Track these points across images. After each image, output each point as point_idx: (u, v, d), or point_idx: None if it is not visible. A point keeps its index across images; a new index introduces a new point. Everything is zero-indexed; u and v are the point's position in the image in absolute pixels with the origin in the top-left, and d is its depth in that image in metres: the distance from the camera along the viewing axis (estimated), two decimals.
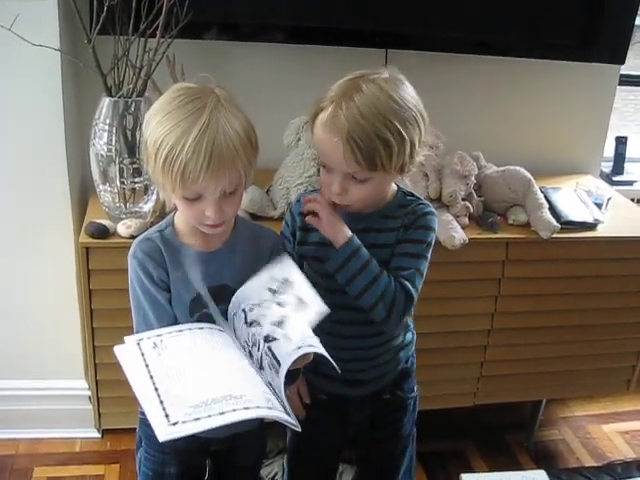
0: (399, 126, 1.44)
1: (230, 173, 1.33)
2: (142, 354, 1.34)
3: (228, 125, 1.33)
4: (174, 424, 1.19)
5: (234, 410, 1.22)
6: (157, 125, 1.34)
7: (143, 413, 1.52)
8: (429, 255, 1.58)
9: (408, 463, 1.87)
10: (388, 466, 1.84)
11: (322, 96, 1.55)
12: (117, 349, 1.35)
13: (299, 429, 1.29)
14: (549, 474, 1.64)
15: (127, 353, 1.34)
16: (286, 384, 1.30)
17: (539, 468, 1.69)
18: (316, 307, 1.37)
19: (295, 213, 1.65)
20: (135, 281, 1.48)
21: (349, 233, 1.53)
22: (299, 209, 1.62)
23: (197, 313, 1.48)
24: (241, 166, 1.35)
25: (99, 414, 2.35)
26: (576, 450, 2.80)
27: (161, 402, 1.23)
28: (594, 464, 2.60)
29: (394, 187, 1.62)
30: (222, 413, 1.21)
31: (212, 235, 1.47)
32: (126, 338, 1.37)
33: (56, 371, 2.47)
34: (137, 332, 1.46)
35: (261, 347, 1.37)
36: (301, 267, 1.61)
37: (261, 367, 1.37)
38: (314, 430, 1.71)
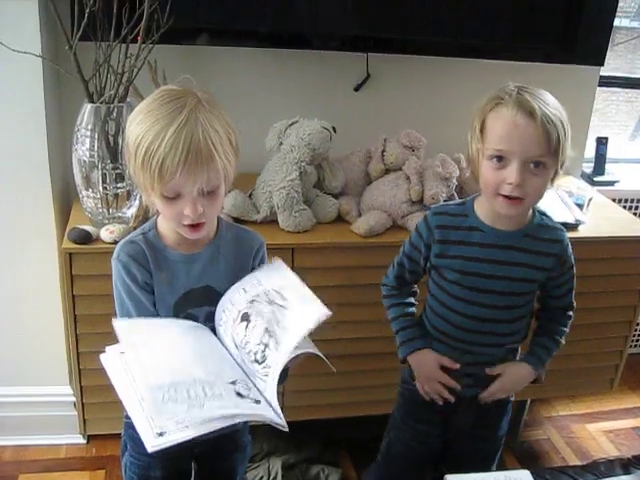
0: (567, 124, 1.55)
1: (208, 170, 1.34)
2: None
3: (207, 123, 1.34)
4: (161, 434, 1.19)
5: (222, 416, 1.23)
6: (138, 124, 1.36)
7: (128, 417, 1.53)
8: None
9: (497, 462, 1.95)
10: (480, 465, 1.84)
11: (493, 93, 1.58)
12: (103, 357, 1.36)
13: (287, 429, 1.31)
14: (533, 474, 1.64)
15: (111, 362, 1.35)
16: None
17: (524, 468, 1.68)
18: (316, 310, 1.38)
19: (432, 226, 1.70)
20: (119, 284, 1.48)
21: (529, 373, 1.78)
22: (437, 222, 1.70)
23: (182, 314, 1.49)
24: (220, 165, 1.36)
25: (84, 420, 2.34)
26: (561, 450, 2.82)
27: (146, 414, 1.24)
28: (579, 463, 2.61)
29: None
30: (209, 420, 1.22)
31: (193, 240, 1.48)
32: (108, 348, 1.37)
33: (40, 377, 2.46)
34: None
35: (253, 348, 1.38)
36: (429, 274, 1.78)
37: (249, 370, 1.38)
38: (421, 429, 1.88)
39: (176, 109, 1.33)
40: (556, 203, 2.46)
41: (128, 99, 2.07)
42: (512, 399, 1.91)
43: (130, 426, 1.64)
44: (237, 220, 2.17)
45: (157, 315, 1.48)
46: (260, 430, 2.49)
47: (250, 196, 2.25)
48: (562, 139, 1.52)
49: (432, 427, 1.86)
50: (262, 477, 2.41)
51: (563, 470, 1.75)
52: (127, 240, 1.50)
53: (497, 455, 1.94)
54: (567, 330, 1.82)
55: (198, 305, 1.51)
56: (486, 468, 1.87)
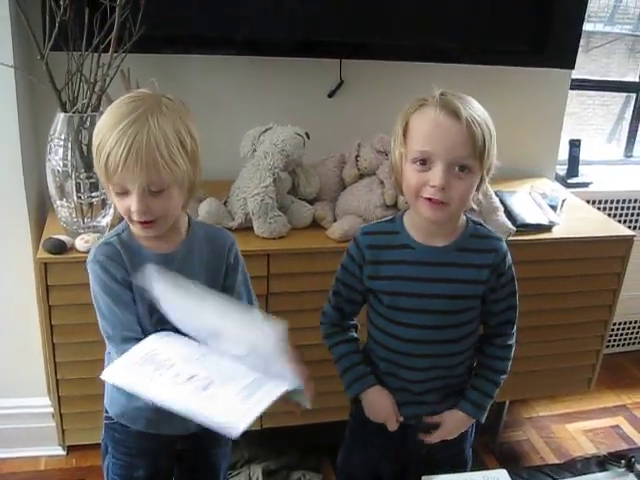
0: (493, 129, 1.53)
1: (149, 171, 1.36)
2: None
3: (157, 126, 1.36)
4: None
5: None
6: (99, 121, 1.42)
7: (108, 417, 1.54)
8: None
9: None
10: None
11: (417, 97, 1.54)
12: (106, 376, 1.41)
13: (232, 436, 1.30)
14: (510, 473, 1.66)
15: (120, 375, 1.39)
16: None
17: (503, 468, 1.70)
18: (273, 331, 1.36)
19: (363, 247, 1.62)
20: (98, 285, 1.48)
21: (467, 419, 1.72)
22: (367, 242, 1.62)
23: (156, 314, 1.49)
24: (166, 168, 1.38)
25: (63, 431, 2.33)
26: (540, 450, 2.83)
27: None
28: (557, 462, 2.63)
29: (463, 217, 1.64)
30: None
31: (166, 237, 1.50)
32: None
33: (18, 389, 2.44)
34: (108, 336, 1.50)
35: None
36: (367, 301, 1.70)
37: None
38: (371, 453, 1.80)
39: (133, 109, 1.37)
40: (530, 205, 2.49)
41: (101, 108, 2.06)
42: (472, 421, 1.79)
43: (110, 427, 1.65)
44: None
45: (136, 311, 1.50)
46: (240, 437, 2.51)
47: (225, 203, 2.25)
48: (487, 142, 1.49)
49: (382, 451, 1.79)
50: None
51: (540, 469, 1.76)
52: (102, 242, 1.51)
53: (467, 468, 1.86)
54: (509, 363, 1.72)
55: None
56: None
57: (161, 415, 1.52)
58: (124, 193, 1.40)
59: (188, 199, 1.52)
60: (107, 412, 1.66)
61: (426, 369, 1.66)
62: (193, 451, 1.73)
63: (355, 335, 1.77)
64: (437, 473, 1.70)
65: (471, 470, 1.68)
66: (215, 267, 1.58)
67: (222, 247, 1.60)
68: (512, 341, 1.73)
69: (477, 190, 1.56)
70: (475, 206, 2.23)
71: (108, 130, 1.36)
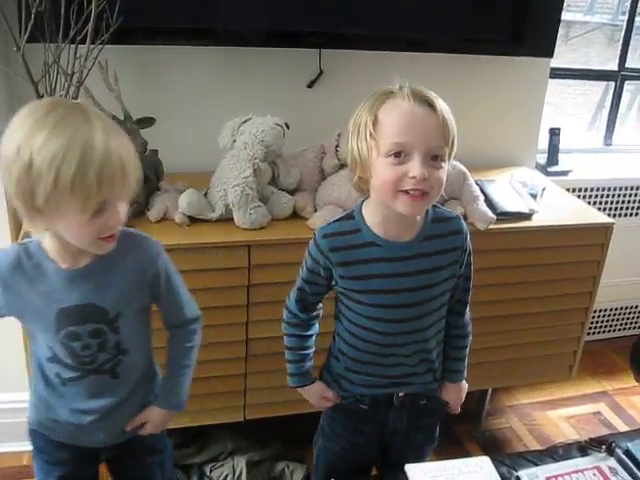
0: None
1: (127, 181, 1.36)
2: None
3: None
4: None
5: None
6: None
7: (31, 423, 1.58)
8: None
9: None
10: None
11: (380, 88, 1.51)
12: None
13: None
14: (493, 460, 1.67)
15: None
16: None
17: (485, 455, 1.71)
18: None
19: (326, 251, 1.58)
20: None
21: (463, 386, 1.87)
22: (329, 245, 1.58)
23: (62, 330, 1.45)
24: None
25: None
26: (523, 437, 2.86)
27: None
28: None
29: None
30: None
31: (82, 254, 1.43)
32: None
33: (0, 384, 2.43)
34: None
35: None
36: (337, 298, 1.70)
37: None
38: (355, 440, 1.81)
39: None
40: (510, 193, 2.50)
41: (79, 100, 2.05)
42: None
43: (32, 433, 1.64)
44: (192, 219, 2.17)
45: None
46: (224, 429, 2.51)
47: (205, 194, 2.24)
48: (455, 131, 1.48)
49: (367, 437, 1.80)
50: (227, 475, 2.41)
51: (523, 455, 1.77)
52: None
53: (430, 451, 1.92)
54: (468, 327, 1.81)
55: (81, 323, 1.45)
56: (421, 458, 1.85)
57: (77, 428, 1.56)
58: (99, 211, 1.32)
59: None
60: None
61: (405, 356, 1.67)
62: (123, 460, 1.71)
63: (314, 331, 1.78)
64: (412, 452, 1.80)
65: (454, 457, 1.68)
66: (141, 278, 1.52)
67: (149, 256, 1.54)
68: (466, 320, 1.80)
69: None
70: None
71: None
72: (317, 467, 1.93)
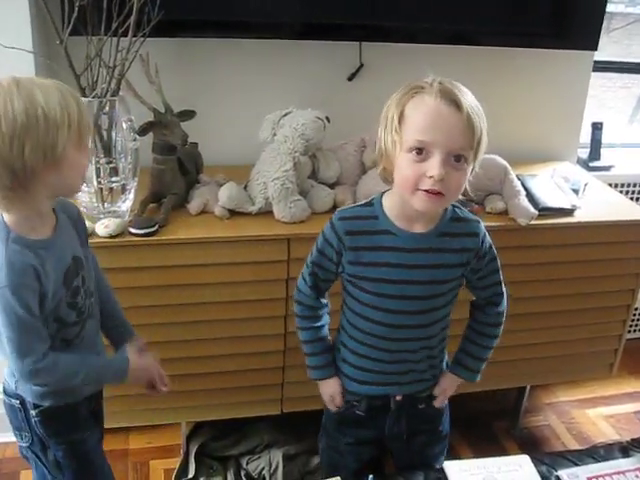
0: (485, 119, 1.47)
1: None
2: None
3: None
4: None
5: None
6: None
7: (41, 412, 1.60)
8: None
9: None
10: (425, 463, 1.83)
11: (411, 82, 1.49)
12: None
13: None
14: (533, 459, 1.65)
15: None
16: None
17: (524, 454, 1.69)
18: None
19: (341, 233, 1.58)
20: (14, 312, 1.40)
21: (459, 380, 1.78)
22: (345, 228, 1.58)
23: (69, 290, 1.51)
24: None
25: None
26: (561, 435, 2.83)
27: None
28: (579, 448, 2.62)
29: None
30: None
31: (45, 220, 1.48)
32: None
33: None
34: (21, 353, 1.43)
35: None
36: (344, 287, 1.69)
37: None
38: (354, 443, 1.81)
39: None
40: (552, 189, 2.47)
41: (120, 93, 2.06)
42: (446, 403, 1.85)
43: (44, 420, 1.61)
44: (232, 212, 2.18)
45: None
46: (260, 422, 2.52)
47: (245, 187, 2.25)
48: (483, 133, 1.45)
49: (365, 442, 1.81)
50: (263, 468, 2.42)
51: (563, 455, 1.75)
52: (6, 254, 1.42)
53: (443, 451, 1.89)
54: (500, 328, 1.76)
55: (75, 275, 1.53)
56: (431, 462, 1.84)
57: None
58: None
59: None
60: (36, 407, 1.60)
61: (407, 351, 1.67)
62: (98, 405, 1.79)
63: (325, 321, 1.78)
64: (417, 454, 1.81)
65: (490, 455, 1.67)
66: (79, 239, 1.61)
67: (76, 217, 1.63)
68: (502, 308, 1.75)
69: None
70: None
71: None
72: (322, 464, 1.95)
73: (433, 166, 1.41)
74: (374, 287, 1.60)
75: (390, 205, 1.58)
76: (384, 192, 1.62)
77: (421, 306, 1.61)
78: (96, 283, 1.67)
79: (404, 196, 1.50)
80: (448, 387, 1.78)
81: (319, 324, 1.75)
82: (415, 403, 1.75)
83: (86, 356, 1.60)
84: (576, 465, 1.69)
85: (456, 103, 1.41)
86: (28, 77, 1.37)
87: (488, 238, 1.65)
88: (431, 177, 1.41)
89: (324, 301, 1.76)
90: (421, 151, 1.42)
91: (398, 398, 1.72)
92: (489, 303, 1.73)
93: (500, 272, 1.70)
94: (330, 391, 1.77)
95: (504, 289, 1.73)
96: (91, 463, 1.71)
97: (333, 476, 1.73)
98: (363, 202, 1.65)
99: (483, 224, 1.65)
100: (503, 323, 1.76)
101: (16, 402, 1.60)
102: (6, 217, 1.43)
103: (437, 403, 1.78)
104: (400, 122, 1.45)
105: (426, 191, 1.43)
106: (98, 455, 1.75)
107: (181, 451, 2.51)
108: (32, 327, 1.42)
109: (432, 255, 1.57)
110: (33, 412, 1.59)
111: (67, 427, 1.64)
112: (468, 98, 1.44)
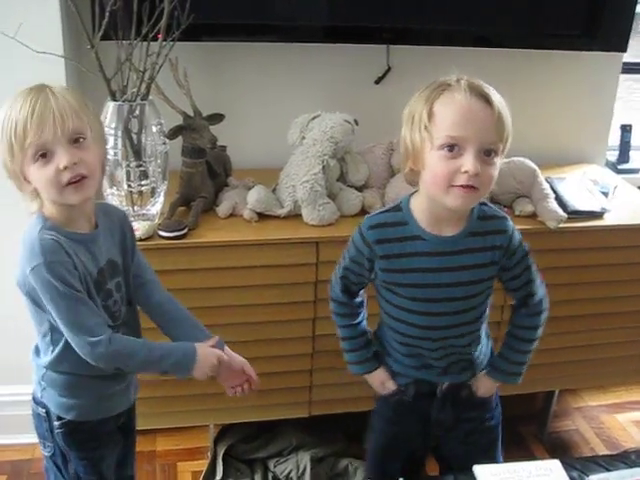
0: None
1: (66, 120, 1.38)
2: None
3: (58, 92, 1.40)
4: None
5: None
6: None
7: (61, 427, 1.59)
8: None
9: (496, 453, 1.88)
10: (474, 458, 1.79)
11: (436, 80, 1.51)
12: None
13: None
14: (563, 463, 1.64)
15: None
16: None
17: (553, 458, 1.68)
18: None
19: (372, 242, 1.58)
20: (54, 287, 1.41)
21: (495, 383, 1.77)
22: (375, 237, 1.58)
23: (101, 293, 1.52)
24: (80, 114, 1.41)
25: None
26: (590, 440, 2.80)
27: None
28: (609, 453, 2.60)
29: None
30: None
31: (84, 217, 1.50)
32: None
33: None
34: (75, 328, 1.43)
35: None
36: (377, 291, 1.70)
37: None
38: (399, 431, 1.82)
39: (28, 91, 1.40)
40: (581, 191, 2.45)
41: (150, 97, 2.08)
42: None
43: (67, 433, 1.60)
44: (261, 215, 2.19)
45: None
46: (288, 425, 2.52)
47: (274, 190, 2.25)
48: (510, 127, 1.47)
49: (410, 429, 1.81)
50: (291, 471, 2.42)
51: (593, 460, 1.74)
52: (39, 244, 1.42)
53: (496, 447, 1.87)
54: (538, 330, 1.74)
55: (110, 279, 1.54)
56: (480, 457, 1.78)
57: (110, 396, 1.62)
58: (43, 155, 1.38)
59: (102, 179, 1.55)
60: (60, 419, 1.59)
61: (439, 349, 1.68)
62: (129, 419, 1.77)
63: (363, 317, 1.78)
64: (463, 442, 1.80)
65: (520, 461, 1.66)
66: (119, 240, 1.60)
67: (116, 220, 1.61)
68: (539, 308, 1.72)
69: None
70: None
71: (11, 110, 1.37)
72: (369, 460, 1.95)
73: (468, 161, 1.41)
74: (408, 292, 1.60)
75: (418, 208, 1.57)
76: (411, 194, 1.62)
77: (457, 307, 1.62)
78: (149, 291, 1.69)
79: (436, 195, 1.49)
80: (482, 388, 1.77)
81: (357, 321, 1.76)
82: (460, 390, 1.75)
83: (147, 340, 1.59)
84: (607, 470, 1.67)
85: (486, 98, 1.42)
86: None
87: (518, 235, 1.64)
88: (465, 172, 1.42)
89: (359, 299, 1.76)
90: (453, 147, 1.43)
91: (444, 385, 1.73)
92: (523, 305, 1.72)
93: (533, 270, 1.69)
94: (379, 379, 1.78)
95: (539, 289, 1.71)
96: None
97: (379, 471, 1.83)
98: (391, 206, 1.64)
99: (510, 221, 1.65)
100: (541, 326, 1.74)
101: (42, 410, 1.60)
102: (44, 209, 1.46)
103: (478, 394, 1.78)
104: (429, 120, 1.45)
105: (461, 187, 1.43)
106: (110, 470, 1.72)
107: (208, 453, 2.51)
108: (77, 300, 1.42)
109: (463, 257, 1.58)
110: (57, 423, 1.59)
111: (90, 442, 1.64)
112: (495, 93, 1.45)
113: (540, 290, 1.72)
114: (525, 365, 1.76)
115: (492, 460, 1.82)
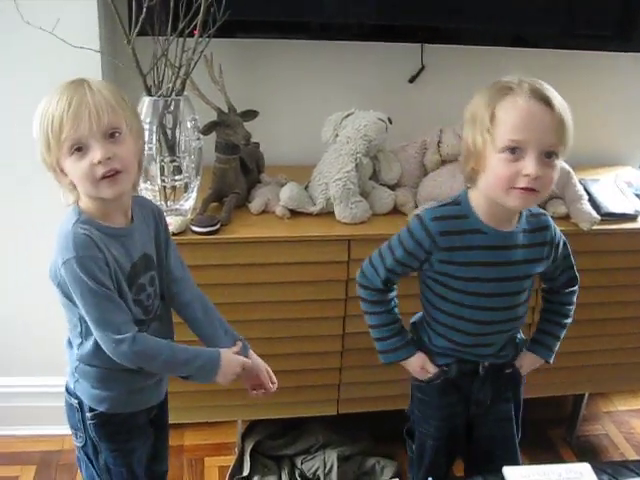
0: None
1: (102, 115, 1.39)
2: None
3: (95, 87, 1.42)
4: None
5: None
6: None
7: (93, 418, 1.60)
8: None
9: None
10: (509, 433, 1.88)
11: (497, 84, 1.53)
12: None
13: None
14: (594, 467, 1.63)
15: None
16: None
17: (583, 462, 1.67)
18: None
19: (435, 234, 1.60)
20: (84, 282, 1.42)
21: (538, 361, 1.83)
22: (439, 228, 1.60)
23: (134, 287, 1.53)
24: (117, 108, 1.42)
25: None
26: (620, 445, 2.78)
27: None
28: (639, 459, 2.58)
29: None
30: None
31: (120, 211, 1.51)
32: None
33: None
34: (101, 325, 1.45)
35: None
36: (424, 284, 1.73)
37: None
38: (445, 414, 1.82)
39: (65, 85, 1.42)
40: (615, 193, 2.43)
41: (185, 92, 2.09)
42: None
43: (99, 424, 1.61)
44: (293, 212, 2.19)
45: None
46: (315, 422, 2.53)
47: (306, 188, 2.26)
48: (572, 129, 1.49)
49: (455, 408, 1.81)
50: (318, 468, 2.42)
51: (624, 464, 1.72)
52: (73, 236, 1.43)
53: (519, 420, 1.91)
54: (573, 308, 1.83)
55: (143, 273, 1.55)
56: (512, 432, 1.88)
57: (141, 389, 1.62)
58: (79, 149, 1.39)
59: (139, 175, 1.56)
60: (92, 410, 1.60)
61: (490, 344, 1.73)
62: (161, 413, 1.78)
63: (395, 303, 1.79)
64: (496, 425, 1.85)
65: (547, 462, 1.65)
66: (155, 234, 1.62)
67: (150, 212, 1.62)
68: (575, 287, 1.82)
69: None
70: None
71: (49, 104, 1.39)
72: (419, 457, 1.92)
73: (529, 165, 1.45)
74: (465, 286, 1.63)
75: (477, 203, 1.61)
76: (467, 190, 1.64)
77: (506, 302, 1.66)
78: (180, 289, 1.70)
79: (496, 195, 1.53)
80: (526, 365, 1.83)
81: (390, 307, 1.77)
82: (502, 368, 1.78)
83: (173, 343, 1.61)
84: (638, 476, 1.66)
85: (548, 102, 1.45)
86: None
87: (555, 227, 1.70)
88: (527, 175, 1.45)
89: (392, 291, 1.78)
90: (514, 150, 1.46)
91: (486, 363, 1.75)
92: (566, 286, 1.80)
93: (571, 255, 1.77)
94: (419, 364, 1.78)
95: (575, 272, 1.81)
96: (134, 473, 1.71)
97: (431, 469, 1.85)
98: (449, 200, 1.67)
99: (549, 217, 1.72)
100: (575, 304, 1.84)
101: (75, 401, 1.62)
102: (81, 203, 1.48)
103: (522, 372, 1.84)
104: (492, 123, 1.48)
105: (521, 189, 1.47)
106: (141, 465, 1.72)
107: (236, 449, 2.52)
108: (106, 298, 1.43)
109: (520, 251, 1.63)
110: (89, 414, 1.60)
111: (121, 434, 1.65)
112: (556, 95, 1.48)
113: (577, 274, 1.81)
114: (560, 342, 1.84)
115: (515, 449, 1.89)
